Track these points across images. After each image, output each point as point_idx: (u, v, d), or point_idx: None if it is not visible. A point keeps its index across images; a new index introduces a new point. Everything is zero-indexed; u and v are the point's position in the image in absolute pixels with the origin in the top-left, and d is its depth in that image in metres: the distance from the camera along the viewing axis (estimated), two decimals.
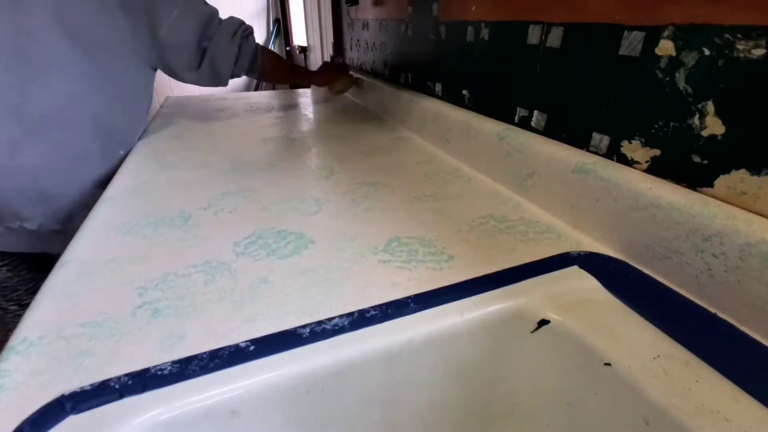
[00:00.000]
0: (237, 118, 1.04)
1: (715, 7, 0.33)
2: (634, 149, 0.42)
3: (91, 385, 0.28)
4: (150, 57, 0.79)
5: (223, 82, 0.89)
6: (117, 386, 0.27)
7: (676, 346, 0.30)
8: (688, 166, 0.37)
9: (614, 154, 0.44)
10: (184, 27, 0.78)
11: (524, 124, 0.57)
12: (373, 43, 1.14)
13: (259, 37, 3.09)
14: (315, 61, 2.03)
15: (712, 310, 0.33)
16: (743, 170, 0.33)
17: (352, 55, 1.36)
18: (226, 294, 0.37)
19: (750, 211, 0.32)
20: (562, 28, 0.48)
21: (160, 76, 0.86)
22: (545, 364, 0.36)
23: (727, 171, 0.34)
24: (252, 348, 0.30)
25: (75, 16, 0.68)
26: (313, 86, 1.42)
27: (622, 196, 0.40)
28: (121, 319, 0.34)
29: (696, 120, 0.35)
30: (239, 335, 0.32)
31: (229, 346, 0.31)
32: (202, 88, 0.93)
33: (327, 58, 1.67)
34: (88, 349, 0.31)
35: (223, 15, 0.86)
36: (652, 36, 0.38)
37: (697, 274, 0.34)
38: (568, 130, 0.50)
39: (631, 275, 0.38)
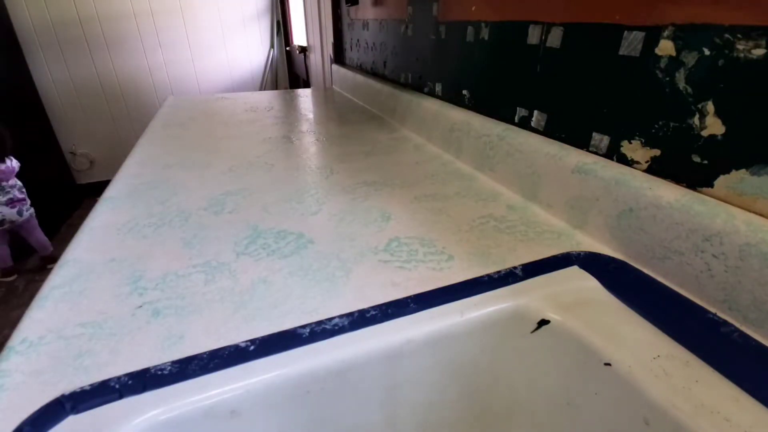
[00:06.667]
0: (237, 118, 1.04)
1: (715, 7, 0.33)
2: (634, 149, 0.42)
3: (91, 385, 0.28)
4: None
5: None
6: (117, 386, 0.27)
7: (676, 346, 0.30)
8: (688, 166, 0.37)
9: (614, 154, 0.44)
10: None
11: (524, 124, 0.57)
12: (373, 43, 1.14)
13: (260, 37, 3.09)
14: (315, 61, 2.02)
15: (712, 310, 0.33)
16: (743, 170, 0.33)
17: (352, 55, 1.36)
18: (226, 294, 0.37)
19: (750, 211, 0.32)
20: (562, 28, 0.48)
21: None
22: (545, 364, 0.36)
23: (727, 171, 0.34)
24: (252, 348, 0.30)
25: None
26: (314, 86, 1.38)
27: (622, 196, 0.40)
28: (121, 319, 0.34)
29: (696, 120, 0.35)
30: (239, 335, 0.32)
31: (229, 346, 0.31)
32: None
33: (327, 59, 1.67)
34: (88, 349, 0.31)
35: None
36: (652, 36, 0.38)
37: (697, 274, 0.34)
38: (568, 130, 0.50)
39: (631, 275, 0.38)
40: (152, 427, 0.26)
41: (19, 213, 2.00)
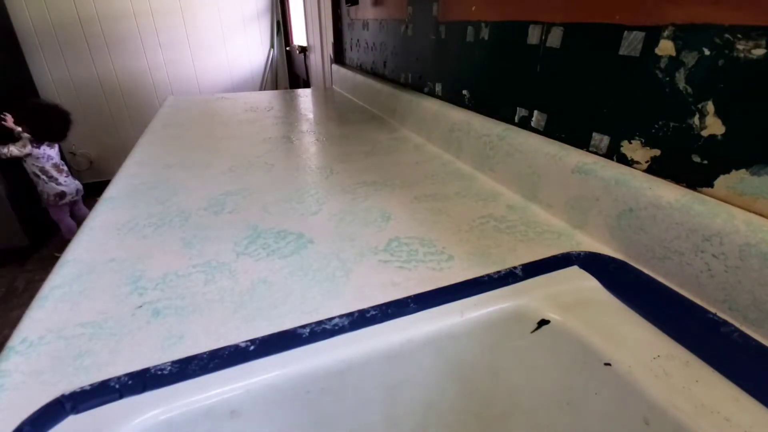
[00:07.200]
0: (237, 118, 1.04)
1: (715, 7, 0.33)
2: (634, 149, 0.42)
3: (91, 385, 0.28)
4: None
5: None
6: (117, 386, 0.27)
7: (676, 346, 0.30)
8: (688, 166, 0.37)
9: (614, 154, 0.44)
10: None
11: (524, 124, 0.57)
12: (373, 43, 1.14)
13: (260, 37, 3.09)
14: (315, 61, 2.03)
15: (712, 310, 0.33)
16: (743, 170, 0.33)
17: (352, 55, 1.36)
18: (226, 294, 0.37)
19: (750, 211, 0.32)
20: (562, 28, 0.48)
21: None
22: (545, 364, 0.36)
23: (727, 171, 0.34)
24: (252, 348, 0.30)
25: None
26: (314, 86, 1.41)
27: (622, 196, 0.40)
28: (121, 319, 0.34)
29: (696, 120, 0.35)
30: (239, 335, 0.32)
31: (229, 346, 0.31)
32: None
33: (327, 59, 1.67)
34: (88, 349, 0.31)
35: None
36: (652, 36, 0.38)
37: (697, 274, 0.34)
38: (568, 130, 0.50)
39: (631, 275, 0.38)
40: (152, 427, 0.26)
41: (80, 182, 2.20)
